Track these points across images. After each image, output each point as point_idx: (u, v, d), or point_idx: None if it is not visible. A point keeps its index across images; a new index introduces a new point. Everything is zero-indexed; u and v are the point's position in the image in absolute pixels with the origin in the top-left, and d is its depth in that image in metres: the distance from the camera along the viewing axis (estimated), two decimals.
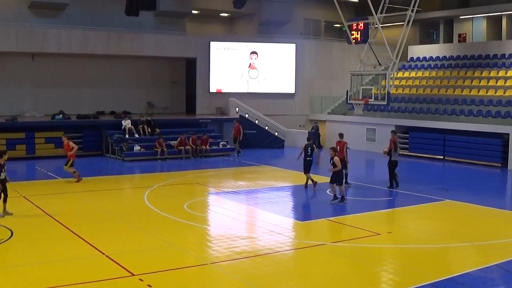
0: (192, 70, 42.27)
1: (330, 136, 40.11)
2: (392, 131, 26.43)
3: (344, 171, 22.87)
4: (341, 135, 25.14)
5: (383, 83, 34.63)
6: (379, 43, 35.07)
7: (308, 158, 23.87)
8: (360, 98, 34.67)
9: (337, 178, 20.78)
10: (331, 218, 18.78)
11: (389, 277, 12.91)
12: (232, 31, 48.34)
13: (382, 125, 37.26)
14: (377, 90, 34.42)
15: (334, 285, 12.36)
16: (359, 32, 34.63)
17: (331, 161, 20.60)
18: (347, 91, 35.66)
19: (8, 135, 33.00)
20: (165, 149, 33.26)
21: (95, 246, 14.59)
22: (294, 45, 42.97)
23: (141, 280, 12.05)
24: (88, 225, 17.23)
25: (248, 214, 20.19)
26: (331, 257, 14.32)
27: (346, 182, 24.12)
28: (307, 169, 23.92)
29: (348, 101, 36.12)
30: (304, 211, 20.83)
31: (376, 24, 33.72)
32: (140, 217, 18.54)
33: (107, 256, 13.73)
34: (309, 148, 23.98)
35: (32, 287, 11.80)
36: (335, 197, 20.90)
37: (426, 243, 15.81)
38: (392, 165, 24.54)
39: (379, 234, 16.53)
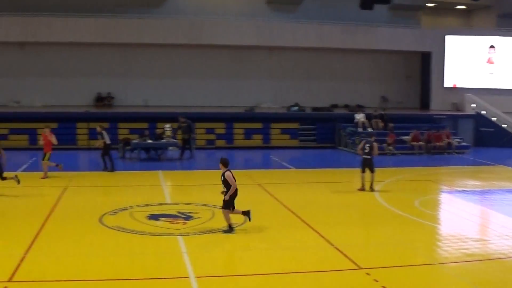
0: (426, 64, 41.46)
1: None
2: None
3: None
4: None
5: None
6: None
7: None
8: None
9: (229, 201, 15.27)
10: None
11: None
12: (469, 24, 46.56)
13: None
14: None
15: None
16: None
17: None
18: None
19: (246, 125, 34.75)
20: (391, 147, 32.84)
21: (325, 236, 14.86)
22: None
23: (368, 274, 12.07)
24: (318, 215, 17.55)
25: (481, 215, 19.36)
26: None
27: None
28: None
29: None
30: None
31: None
32: (370, 211, 18.58)
33: (335, 247, 13.91)
34: None
35: (262, 271, 12.31)
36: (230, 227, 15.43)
37: None
38: None
39: None
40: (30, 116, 32.65)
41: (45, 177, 23.29)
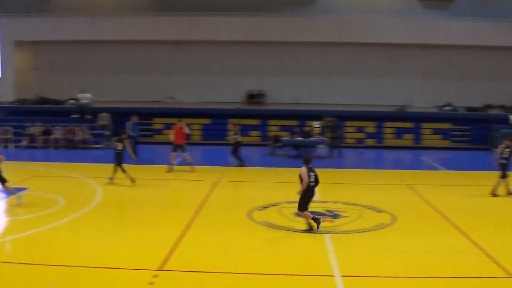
0: None
1: None
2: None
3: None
4: None
5: None
6: None
7: None
8: None
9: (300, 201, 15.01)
10: None
11: None
12: None
13: None
14: None
15: None
16: None
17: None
18: None
19: (396, 124, 34.43)
20: None
21: (473, 240, 14.39)
22: None
23: None
24: (467, 218, 16.96)
25: None
26: None
27: None
28: None
29: None
30: None
31: None
32: None
33: (485, 252, 13.41)
34: None
35: (407, 273, 12.13)
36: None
37: None
38: None
39: None
40: (184, 112, 33.79)
41: (193, 170, 24.17)
